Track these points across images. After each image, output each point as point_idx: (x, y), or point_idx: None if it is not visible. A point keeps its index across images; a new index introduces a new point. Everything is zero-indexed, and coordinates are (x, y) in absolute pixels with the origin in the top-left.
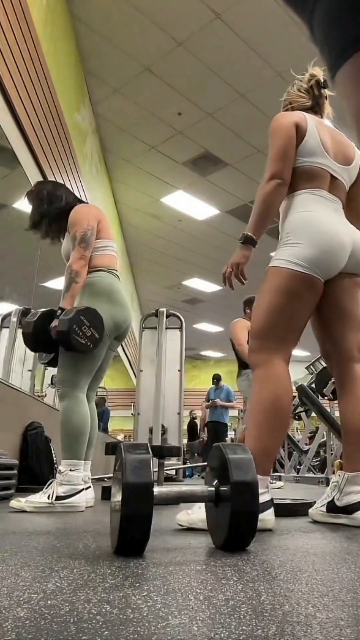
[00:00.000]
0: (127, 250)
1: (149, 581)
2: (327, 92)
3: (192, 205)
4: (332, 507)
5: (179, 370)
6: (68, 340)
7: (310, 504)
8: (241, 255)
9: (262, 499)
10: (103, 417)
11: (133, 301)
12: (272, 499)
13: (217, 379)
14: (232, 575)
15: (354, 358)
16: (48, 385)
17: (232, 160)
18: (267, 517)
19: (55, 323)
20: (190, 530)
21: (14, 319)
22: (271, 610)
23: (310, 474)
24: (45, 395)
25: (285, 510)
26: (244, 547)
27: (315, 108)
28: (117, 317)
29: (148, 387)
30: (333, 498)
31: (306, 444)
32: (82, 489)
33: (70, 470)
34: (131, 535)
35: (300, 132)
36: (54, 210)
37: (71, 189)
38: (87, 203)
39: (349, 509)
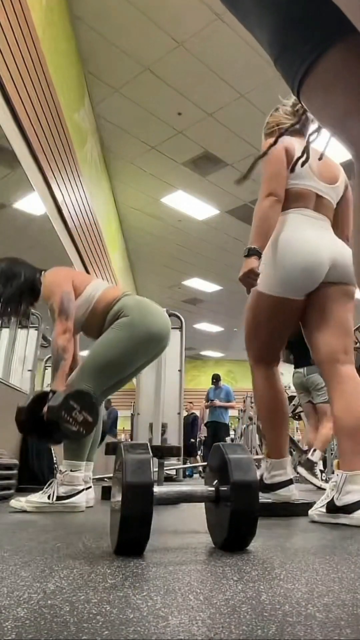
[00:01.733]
0: (127, 250)
1: (149, 581)
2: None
3: (192, 205)
4: (331, 507)
5: (179, 370)
6: (58, 429)
7: (310, 504)
8: (248, 265)
9: (280, 478)
10: (109, 418)
11: None
12: (290, 479)
13: (216, 379)
14: (232, 575)
15: (339, 361)
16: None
17: (232, 160)
18: (282, 494)
19: (46, 408)
20: (190, 530)
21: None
22: (271, 610)
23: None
24: None
25: (285, 510)
26: (244, 547)
27: (301, 130)
28: (153, 326)
29: (148, 387)
30: (332, 498)
31: (306, 444)
32: (83, 489)
33: (71, 470)
34: (131, 535)
35: (289, 156)
36: (13, 290)
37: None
38: (52, 268)
39: (347, 509)
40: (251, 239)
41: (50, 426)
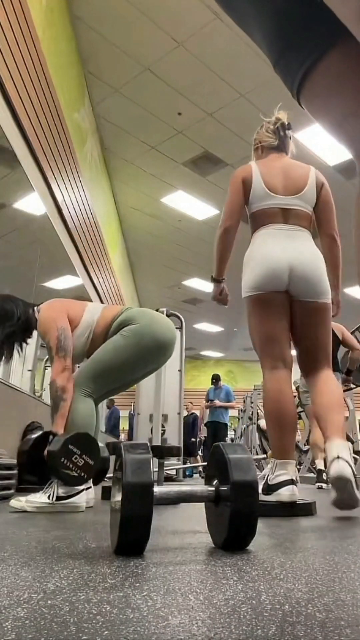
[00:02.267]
0: (127, 250)
1: (149, 581)
2: (290, 133)
3: (192, 205)
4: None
5: (179, 371)
6: (58, 475)
7: (310, 504)
8: (215, 291)
9: (282, 478)
10: (112, 418)
11: (133, 301)
12: (292, 479)
13: (216, 379)
14: (232, 575)
15: (308, 371)
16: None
17: (232, 160)
18: (283, 492)
19: (46, 452)
20: (190, 530)
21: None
22: (271, 610)
23: (311, 474)
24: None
25: (285, 510)
26: (244, 547)
27: (280, 147)
28: (159, 333)
29: (148, 387)
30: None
31: (306, 444)
32: (83, 489)
33: None
34: (131, 535)
35: (246, 185)
36: (7, 331)
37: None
38: (45, 303)
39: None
40: (213, 268)
41: (51, 472)
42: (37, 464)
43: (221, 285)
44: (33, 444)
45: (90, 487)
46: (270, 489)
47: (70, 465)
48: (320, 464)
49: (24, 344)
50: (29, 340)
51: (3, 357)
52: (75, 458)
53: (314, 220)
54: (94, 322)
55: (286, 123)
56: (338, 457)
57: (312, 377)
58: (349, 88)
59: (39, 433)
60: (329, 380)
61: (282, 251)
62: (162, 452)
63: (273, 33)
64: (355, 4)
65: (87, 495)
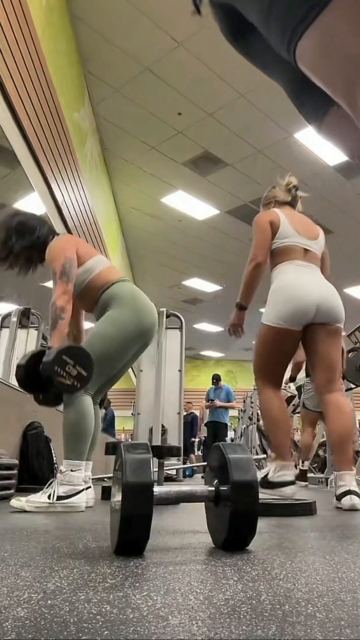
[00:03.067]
0: (127, 250)
1: (149, 581)
2: (300, 193)
3: (192, 205)
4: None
5: (179, 370)
6: (52, 383)
7: (310, 504)
8: (237, 317)
9: (284, 478)
10: (107, 418)
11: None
12: (293, 480)
13: (216, 379)
14: (232, 575)
15: (324, 392)
16: None
17: (232, 160)
18: (284, 491)
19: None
20: (190, 530)
21: (14, 319)
22: (271, 610)
23: (311, 474)
24: None
25: (285, 510)
26: (243, 546)
27: (293, 203)
28: (144, 323)
29: (148, 387)
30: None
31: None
32: (83, 489)
33: (72, 470)
34: (131, 535)
35: (274, 226)
36: (24, 243)
37: (43, 223)
38: (61, 234)
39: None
40: (240, 295)
41: (46, 382)
42: (33, 379)
43: (244, 312)
44: (30, 357)
45: (90, 487)
46: (269, 484)
47: (64, 374)
48: (306, 465)
49: (37, 266)
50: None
51: (18, 270)
52: (69, 368)
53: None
54: (93, 271)
55: (297, 185)
56: (350, 492)
57: (327, 397)
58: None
59: (36, 350)
60: (343, 406)
61: (313, 288)
62: (162, 452)
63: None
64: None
65: (86, 495)
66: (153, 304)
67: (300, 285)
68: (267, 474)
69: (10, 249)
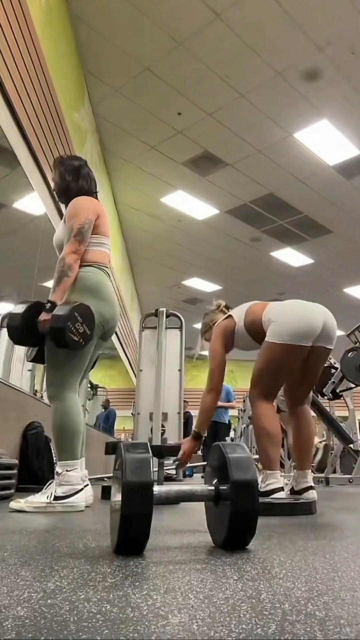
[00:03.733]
0: (127, 250)
1: (148, 580)
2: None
3: (191, 205)
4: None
5: (179, 370)
6: (63, 337)
7: (310, 504)
8: (192, 446)
9: (274, 486)
10: (109, 418)
11: (133, 301)
12: (282, 486)
13: None
14: (232, 574)
15: (298, 403)
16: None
17: (232, 160)
18: (276, 497)
19: (44, 316)
20: (190, 529)
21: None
22: (271, 609)
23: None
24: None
25: (285, 510)
26: (243, 546)
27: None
28: (104, 314)
29: (148, 387)
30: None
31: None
32: (81, 489)
33: (67, 470)
34: (131, 535)
35: (227, 338)
36: (75, 187)
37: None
38: (90, 197)
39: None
40: (197, 424)
41: (55, 336)
42: (29, 330)
43: (199, 442)
44: (28, 308)
45: (87, 485)
46: (261, 494)
47: (74, 330)
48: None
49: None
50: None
51: (63, 200)
52: (78, 325)
53: None
54: (91, 245)
55: (224, 304)
56: (312, 487)
57: (297, 409)
58: None
59: (32, 300)
60: (311, 418)
61: (317, 307)
62: (162, 451)
63: None
64: None
65: (85, 494)
66: (116, 296)
67: (309, 305)
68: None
69: (66, 185)
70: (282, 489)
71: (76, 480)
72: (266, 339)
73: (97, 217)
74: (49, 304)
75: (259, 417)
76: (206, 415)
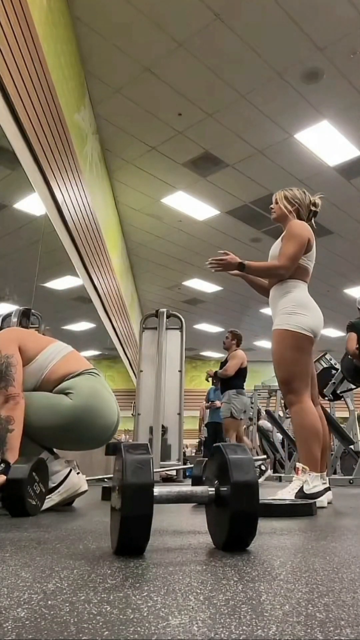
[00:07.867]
0: (127, 251)
1: (149, 581)
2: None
3: (192, 205)
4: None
5: (179, 371)
6: (23, 507)
7: (311, 505)
8: (235, 262)
9: (319, 488)
10: None
11: (133, 301)
12: (328, 487)
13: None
14: (232, 576)
15: (315, 403)
16: None
17: (232, 160)
18: (323, 500)
19: (2, 479)
20: (190, 530)
21: (14, 319)
22: (271, 610)
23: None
24: None
25: (286, 511)
26: (244, 547)
27: (312, 226)
28: (104, 426)
29: (148, 388)
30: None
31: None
32: (68, 472)
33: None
34: (131, 536)
35: (309, 245)
36: None
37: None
38: (5, 328)
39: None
40: (252, 265)
41: (6, 499)
42: None
43: (239, 273)
44: None
45: (78, 473)
46: (307, 497)
47: (32, 494)
48: None
49: None
50: None
51: None
52: (35, 485)
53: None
54: (48, 366)
55: (318, 208)
56: (329, 488)
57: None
58: None
59: None
60: (323, 421)
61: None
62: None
63: None
64: None
65: (78, 478)
66: (114, 399)
67: (316, 305)
68: (302, 487)
69: None
70: (329, 489)
71: (57, 467)
72: (286, 327)
73: (19, 346)
74: (2, 464)
75: (302, 414)
76: (265, 272)
